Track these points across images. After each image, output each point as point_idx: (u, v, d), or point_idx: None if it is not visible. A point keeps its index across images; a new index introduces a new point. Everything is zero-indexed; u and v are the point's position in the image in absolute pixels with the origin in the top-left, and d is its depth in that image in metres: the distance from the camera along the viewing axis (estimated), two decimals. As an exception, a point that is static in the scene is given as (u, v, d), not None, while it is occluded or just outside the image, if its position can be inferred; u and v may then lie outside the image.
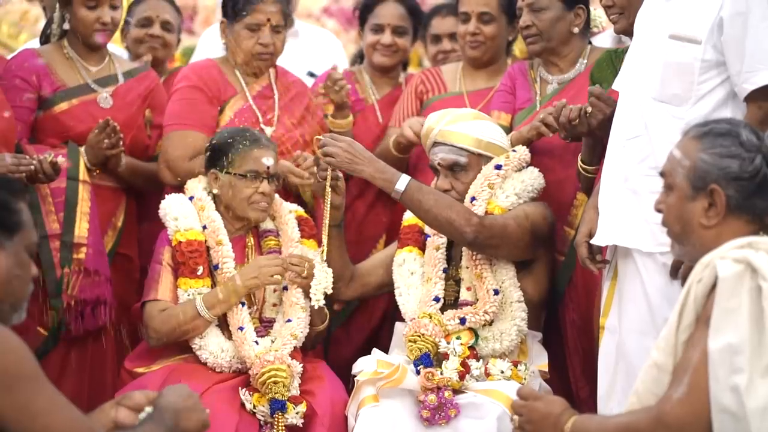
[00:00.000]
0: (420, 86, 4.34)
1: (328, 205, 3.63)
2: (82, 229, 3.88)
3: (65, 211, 3.87)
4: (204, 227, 3.67)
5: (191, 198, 3.74)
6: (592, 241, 3.24)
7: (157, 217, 3.79)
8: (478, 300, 3.60)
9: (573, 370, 3.80)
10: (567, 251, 3.76)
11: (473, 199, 3.62)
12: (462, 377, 3.44)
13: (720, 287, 2.21)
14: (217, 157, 3.71)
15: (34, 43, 4.50)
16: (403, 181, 3.50)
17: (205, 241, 3.66)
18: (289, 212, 3.79)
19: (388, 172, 3.52)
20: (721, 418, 2.17)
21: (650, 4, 3.22)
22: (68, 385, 3.87)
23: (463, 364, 3.46)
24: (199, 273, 3.61)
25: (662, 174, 2.46)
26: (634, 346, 3.12)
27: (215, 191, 3.72)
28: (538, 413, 2.47)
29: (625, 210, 3.14)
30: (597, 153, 3.54)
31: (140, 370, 3.61)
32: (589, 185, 3.58)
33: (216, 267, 3.64)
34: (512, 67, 4.10)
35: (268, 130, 4.06)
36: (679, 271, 2.96)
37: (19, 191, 2.23)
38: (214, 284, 3.64)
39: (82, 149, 3.95)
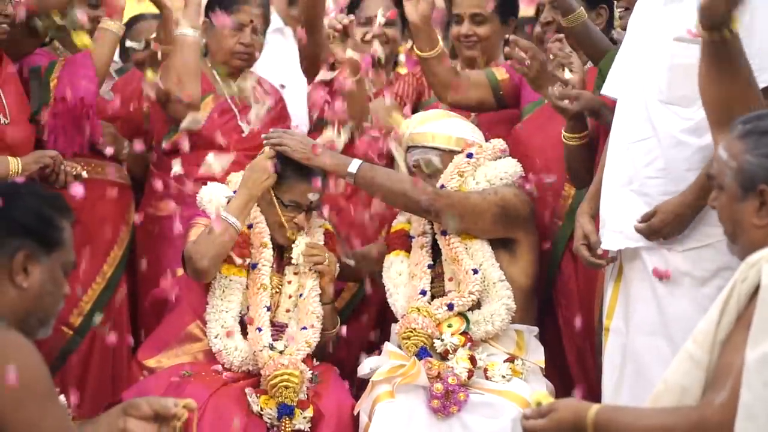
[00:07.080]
0: (420, 79, 4.30)
1: None
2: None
3: None
4: (249, 226, 3.67)
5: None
6: (603, 246, 3.22)
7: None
8: (460, 284, 3.61)
9: (572, 368, 3.81)
10: (553, 241, 3.79)
11: (442, 186, 3.65)
12: (470, 375, 3.45)
13: (762, 295, 2.16)
14: None
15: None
16: (355, 164, 3.58)
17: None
18: (318, 226, 3.79)
19: (340, 158, 3.61)
20: (745, 426, 2.12)
21: (645, 7, 3.22)
22: (92, 382, 3.96)
23: (471, 358, 3.47)
24: (246, 263, 3.63)
25: (710, 176, 2.44)
26: (643, 346, 3.11)
27: None
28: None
29: (631, 211, 3.12)
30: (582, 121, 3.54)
31: (150, 362, 3.63)
32: (572, 154, 3.57)
33: (254, 266, 3.65)
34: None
35: (246, 128, 4.14)
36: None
37: (65, 209, 2.24)
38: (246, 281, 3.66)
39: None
